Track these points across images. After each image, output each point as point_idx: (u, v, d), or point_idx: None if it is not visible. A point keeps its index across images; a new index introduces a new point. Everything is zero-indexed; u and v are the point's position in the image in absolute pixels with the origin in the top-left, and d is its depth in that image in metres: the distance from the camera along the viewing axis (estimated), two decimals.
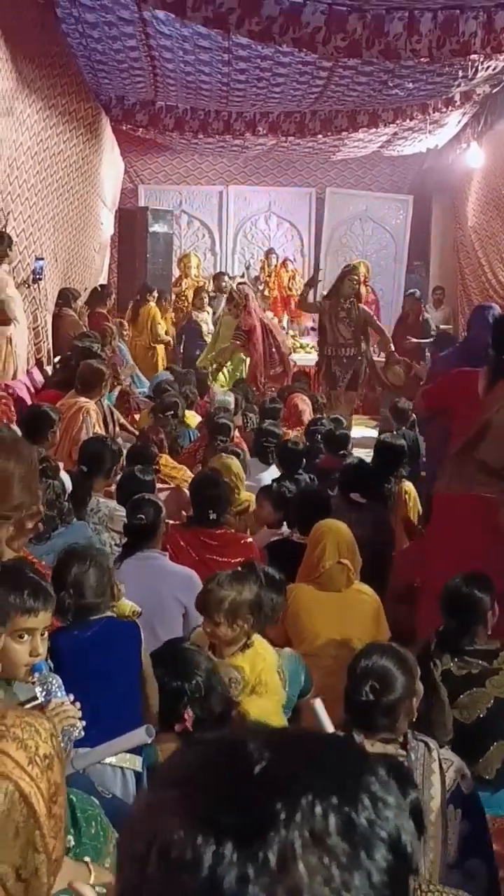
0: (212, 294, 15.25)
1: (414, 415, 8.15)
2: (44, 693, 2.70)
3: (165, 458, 7.42)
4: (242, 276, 16.58)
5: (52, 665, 3.07)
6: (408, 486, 6.72)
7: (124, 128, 13.25)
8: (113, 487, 5.79)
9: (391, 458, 6.64)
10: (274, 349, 11.95)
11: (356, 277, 11.68)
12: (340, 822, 0.71)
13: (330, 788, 0.73)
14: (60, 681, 2.80)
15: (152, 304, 13.58)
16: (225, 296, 13.31)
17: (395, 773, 2.47)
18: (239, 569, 4.02)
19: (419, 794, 2.40)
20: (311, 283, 12.35)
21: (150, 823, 0.74)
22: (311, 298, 12.58)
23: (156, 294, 13.94)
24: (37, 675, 2.73)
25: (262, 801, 0.72)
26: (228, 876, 0.69)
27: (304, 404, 10.08)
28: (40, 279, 8.91)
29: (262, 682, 3.71)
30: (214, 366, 12.18)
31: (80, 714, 2.75)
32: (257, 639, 3.82)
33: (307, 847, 0.70)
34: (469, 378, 5.20)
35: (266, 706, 3.64)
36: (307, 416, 9.85)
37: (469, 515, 4.86)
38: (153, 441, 7.53)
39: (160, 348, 13.47)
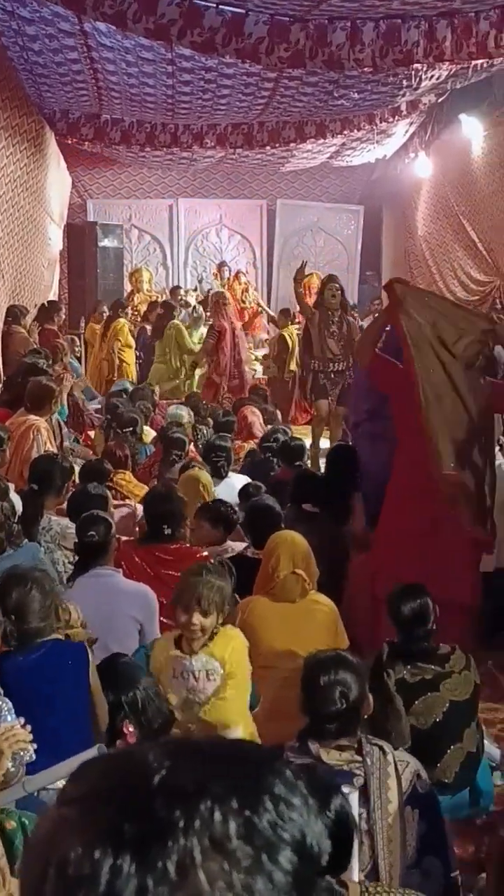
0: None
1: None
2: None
3: (127, 475, 7.34)
4: (196, 290, 16.58)
5: (0, 690, 3.01)
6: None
7: (70, 142, 13.19)
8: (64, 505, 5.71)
9: (344, 467, 6.60)
10: (234, 362, 12.00)
11: (336, 286, 11.62)
12: (241, 826, 0.70)
13: (230, 793, 0.72)
14: (10, 704, 2.74)
15: (122, 319, 13.53)
16: (196, 302, 13.34)
17: (315, 781, 2.44)
18: (213, 562, 4.00)
19: (344, 800, 2.35)
20: (300, 276, 12.23)
21: (49, 842, 0.72)
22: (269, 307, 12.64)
23: (129, 311, 13.92)
24: None
25: (161, 810, 0.70)
26: (127, 889, 0.67)
27: (254, 416, 10.05)
28: None
29: (234, 666, 3.75)
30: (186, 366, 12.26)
31: (30, 737, 2.70)
32: (221, 626, 3.85)
33: (207, 854, 0.69)
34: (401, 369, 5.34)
35: (230, 709, 3.65)
36: (257, 428, 9.83)
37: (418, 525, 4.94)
38: (119, 457, 7.45)
39: (129, 367, 13.36)
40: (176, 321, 13.26)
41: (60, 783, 3.08)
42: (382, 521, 5.58)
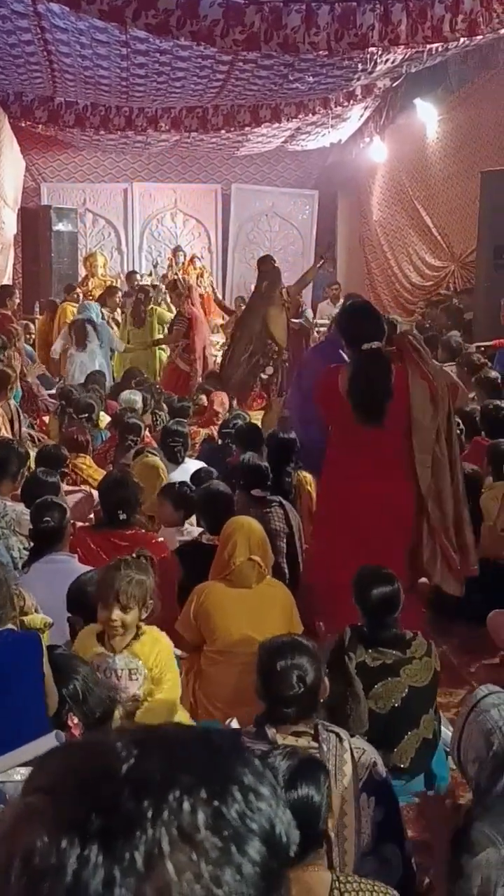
0: (125, 292, 15.12)
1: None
2: None
3: (88, 460, 7.32)
4: (150, 274, 16.48)
5: None
6: (308, 476, 6.72)
7: (23, 124, 13.05)
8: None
9: (282, 451, 6.61)
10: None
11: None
12: (209, 816, 0.70)
13: (199, 783, 0.72)
14: None
15: (68, 303, 13.40)
16: (164, 285, 13.26)
17: (308, 765, 2.46)
18: (134, 556, 3.94)
19: (314, 790, 2.37)
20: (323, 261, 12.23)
21: (14, 832, 0.71)
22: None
23: (77, 294, 13.78)
24: None
25: (128, 800, 0.70)
26: (94, 880, 0.67)
27: (221, 405, 10.00)
28: None
29: (162, 668, 3.70)
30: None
31: None
32: (147, 627, 3.78)
33: (175, 844, 0.68)
34: (330, 379, 5.10)
35: (162, 713, 3.62)
36: (222, 416, 9.81)
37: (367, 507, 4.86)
38: (79, 441, 7.41)
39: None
40: (155, 306, 13.20)
41: (18, 773, 3.07)
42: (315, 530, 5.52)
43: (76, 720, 3.20)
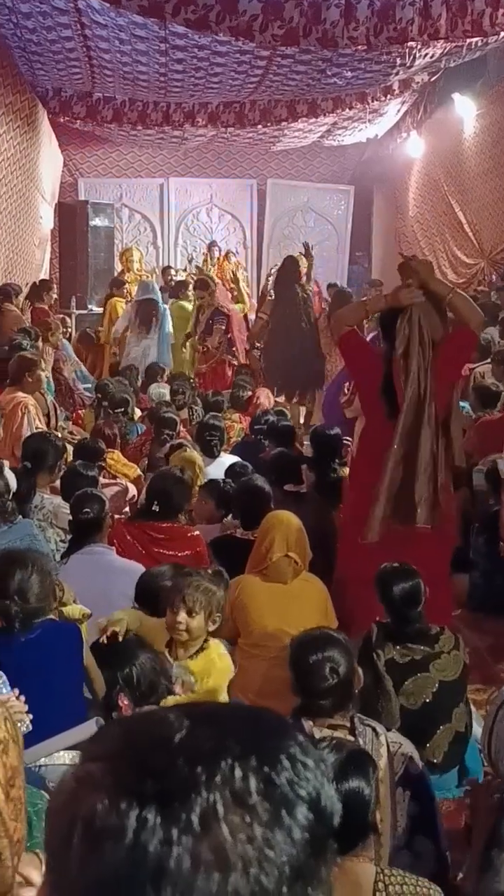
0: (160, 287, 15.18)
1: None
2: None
3: (116, 454, 7.35)
4: (185, 269, 16.52)
5: None
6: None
7: (62, 120, 13.12)
8: (57, 483, 5.72)
9: (326, 446, 6.63)
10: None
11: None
12: (260, 782, 0.73)
13: (249, 752, 0.74)
14: (5, 678, 2.77)
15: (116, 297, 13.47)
16: (191, 283, 13.30)
17: (357, 758, 2.48)
18: (209, 571, 3.96)
19: (365, 784, 2.38)
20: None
21: (74, 798, 0.75)
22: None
23: (125, 289, 13.84)
24: None
25: (183, 766, 0.73)
26: (153, 840, 0.70)
27: (266, 399, 9.94)
28: None
29: (210, 691, 3.69)
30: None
31: (25, 708, 2.73)
32: (214, 643, 3.78)
33: (229, 807, 0.71)
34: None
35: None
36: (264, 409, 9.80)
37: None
38: (108, 436, 7.45)
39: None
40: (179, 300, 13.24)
41: (60, 757, 3.12)
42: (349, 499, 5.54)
43: (126, 701, 3.25)
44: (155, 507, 5.24)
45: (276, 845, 0.71)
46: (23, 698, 2.72)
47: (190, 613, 3.64)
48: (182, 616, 3.64)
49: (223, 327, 11.82)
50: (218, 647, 3.81)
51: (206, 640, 3.75)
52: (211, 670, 3.72)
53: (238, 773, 0.73)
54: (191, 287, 13.45)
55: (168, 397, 9.44)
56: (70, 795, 0.75)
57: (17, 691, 2.73)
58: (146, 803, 0.71)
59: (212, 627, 3.74)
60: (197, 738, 0.75)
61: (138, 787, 0.72)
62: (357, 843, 2.38)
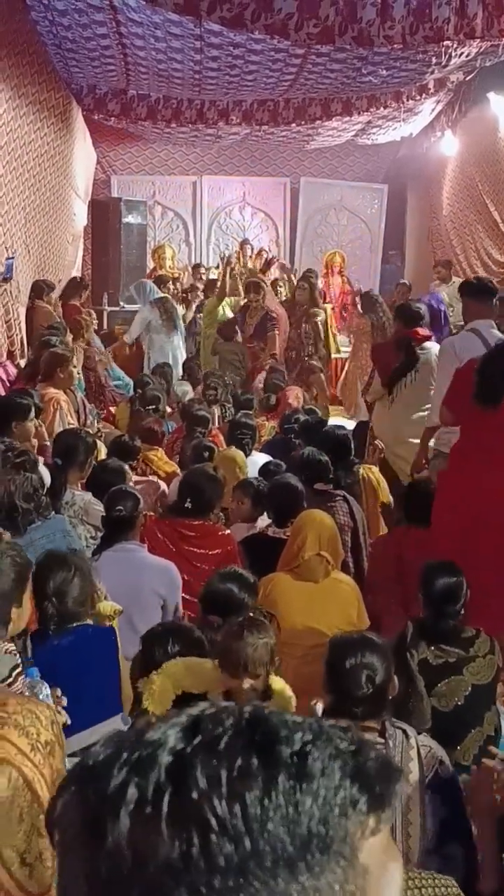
0: (187, 286, 15.22)
1: None
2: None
3: (160, 453, 7.39)
4: (217, 267, 16.53)
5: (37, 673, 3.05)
6: (374, 470, 6.70)
7: (96, 117, 13.16)
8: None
9: (337, 447, 6.62)
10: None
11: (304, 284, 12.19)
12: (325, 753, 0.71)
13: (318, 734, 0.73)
14: (48, 689, 2.80)
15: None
16: (241, 283, 13.37)
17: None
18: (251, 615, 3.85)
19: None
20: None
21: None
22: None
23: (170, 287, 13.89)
24: (28, 680, 2.74)
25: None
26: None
27: (297, 400, 9.94)
28: (10, 278, 8.81)
29: None
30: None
31: (65, 714, 2.75)
32: (280, 688, 3.60)
33: (314, 750, 0.71)
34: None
35: None
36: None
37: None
38: (156, 433, 7.49)
39: None
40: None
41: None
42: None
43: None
44: (188, 504, 5.25)
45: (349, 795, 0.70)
46: (64, 701, 2.74)
47: (254, 677, 3.46)
48: (247, 682, 3.44)
49: (276, 332, 11.90)
50: (282, 693, 3.60)
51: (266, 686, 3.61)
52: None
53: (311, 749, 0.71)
54: (231, 287, 13.50)
55: (190, 394, 9.48)
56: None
57: (59, 691, 2.75)
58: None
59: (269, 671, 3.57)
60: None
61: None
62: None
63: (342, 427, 7.58)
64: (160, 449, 7.43)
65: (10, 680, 2.49)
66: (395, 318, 8.17)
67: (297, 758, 0.70)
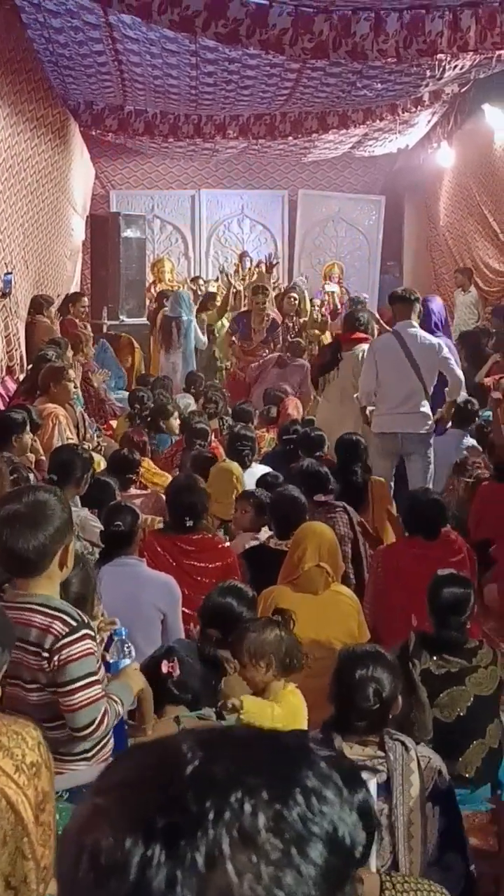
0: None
1: None
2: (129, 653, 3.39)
3: (147, 463, 7.38)
4: (217, 280, 16.57)
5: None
6: (380, 480, 6.72)
7: (94, 133, 13.21)
8: None
9: (350, 451, 6.66)
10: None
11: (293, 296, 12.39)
12: (270, 819, 0.71)
13: (261, 785, 0.72)
14: (131, 645, 3.40)
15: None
16: (249, 289, 13.40)
17: (342, 773, 2.46)
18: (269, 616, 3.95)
19: (367, 794, 2.38)
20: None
21: (82, 831, 0.74)
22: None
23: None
24: (118, 639, 3.29)
25: (192, 800, 0.71)
26: (157, 879, 0.68)
27: (296, 410, 9.92)
28: (8, 293, 8.83)
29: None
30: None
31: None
32: (288, 697, 3.69)
33: (236, 846, 0.69)
34: None
35: None
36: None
37: None
38: (137, 443, 7.49)
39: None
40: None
41: None
42: None
43: (172, 662, 3.64)
44: (189, 523, 5.24)
45: (285, 886, 0.69)
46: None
47: (255, 666, 3.63)
48: (250, 671, 3.64)
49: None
50: (290, 702, 3.70)
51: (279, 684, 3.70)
52: (264, 719, 3.65)
53: (247, 808, 0.70)
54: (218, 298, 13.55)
55: (193, 407, 9.48)
56: (80, 826, 0.74)
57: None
58: (152, 840, 0.69)
59: (274, 672, 3.67)
60: (208, 771, 0.73)
61: (145, 822, 0.70)
62: (366, 856, 2.39)
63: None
64: (147, 460, 7.42)
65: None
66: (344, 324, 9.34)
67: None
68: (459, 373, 7.61)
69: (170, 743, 0.78)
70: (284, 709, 3.59)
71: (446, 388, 7.61)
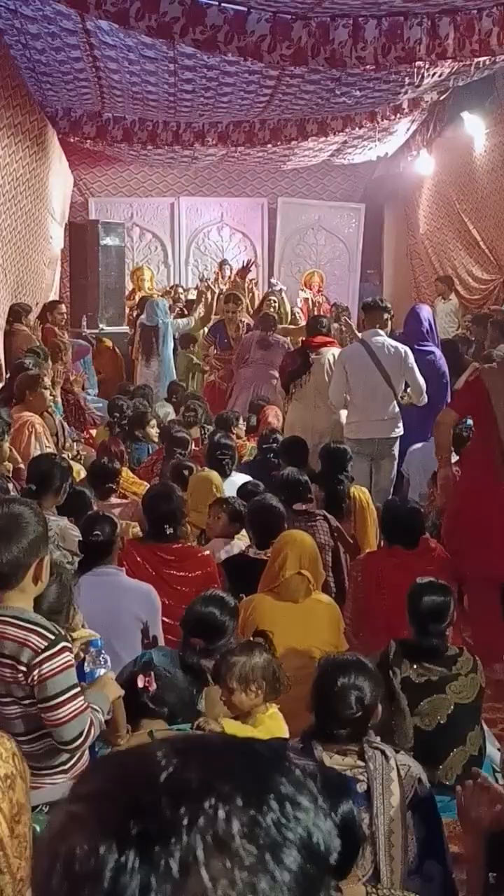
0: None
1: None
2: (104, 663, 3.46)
3: (126, 473, 7.34)
4: (196, 288, 16.54)
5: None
6: (362, 489, 6.69)
7: (72, 140, 13.16)
8: None
9: (334, 460, 6.65)
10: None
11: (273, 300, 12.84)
12: (244, 825, 0.71)
13: (235, 791, 0.73)
14: (107, 657, 3.44)
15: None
16: (222, 297, 13.37)
17: (329, 785, 2.43)
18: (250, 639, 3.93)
19: (353, 805, 2.35)
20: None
21: (57, 837, 0.74)
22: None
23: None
24: (93, 649, 3.32)
25: (166, 807, 0.71)
26: (130, 886, 0.68)
27: (276, 418, 9.89)
28: None
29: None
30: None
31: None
32: (267, 722, 3.67)
33: (210, 852, 0.69)
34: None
35: None
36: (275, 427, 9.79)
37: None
38: (114, 452, 7.43)
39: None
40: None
41: None
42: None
43: (148, 678, 3.65)
44: (168, 531, 5.21)
45: (259, 891, 0.69)
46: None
47: (245, 692, 3.60)
48: (238, 696, 3.59)
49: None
50: (273, 724, 3.69)
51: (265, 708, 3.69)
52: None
53: (221, 814, 0.71)
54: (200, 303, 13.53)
55: (171, 415, 9.44)
56: (54, 834, 0.74)
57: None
58: (126, 847, 0.69)
59: (261, 695, 3.65)
60: (182, 777, 0.73)
61: (119, 829, 0.70)
62: (350, 867, 2.36)
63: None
64: (124, 469, 7.38)
65: None
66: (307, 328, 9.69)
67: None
68: (421, 380, 7.77)
69: (144, 751, 0.78)
70: (264, 734, 3.56)
71: (408, 390, 7.82)
